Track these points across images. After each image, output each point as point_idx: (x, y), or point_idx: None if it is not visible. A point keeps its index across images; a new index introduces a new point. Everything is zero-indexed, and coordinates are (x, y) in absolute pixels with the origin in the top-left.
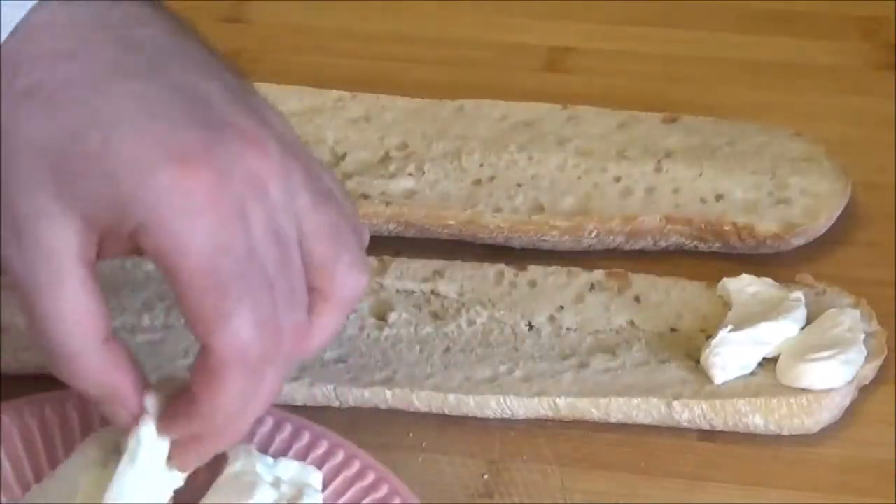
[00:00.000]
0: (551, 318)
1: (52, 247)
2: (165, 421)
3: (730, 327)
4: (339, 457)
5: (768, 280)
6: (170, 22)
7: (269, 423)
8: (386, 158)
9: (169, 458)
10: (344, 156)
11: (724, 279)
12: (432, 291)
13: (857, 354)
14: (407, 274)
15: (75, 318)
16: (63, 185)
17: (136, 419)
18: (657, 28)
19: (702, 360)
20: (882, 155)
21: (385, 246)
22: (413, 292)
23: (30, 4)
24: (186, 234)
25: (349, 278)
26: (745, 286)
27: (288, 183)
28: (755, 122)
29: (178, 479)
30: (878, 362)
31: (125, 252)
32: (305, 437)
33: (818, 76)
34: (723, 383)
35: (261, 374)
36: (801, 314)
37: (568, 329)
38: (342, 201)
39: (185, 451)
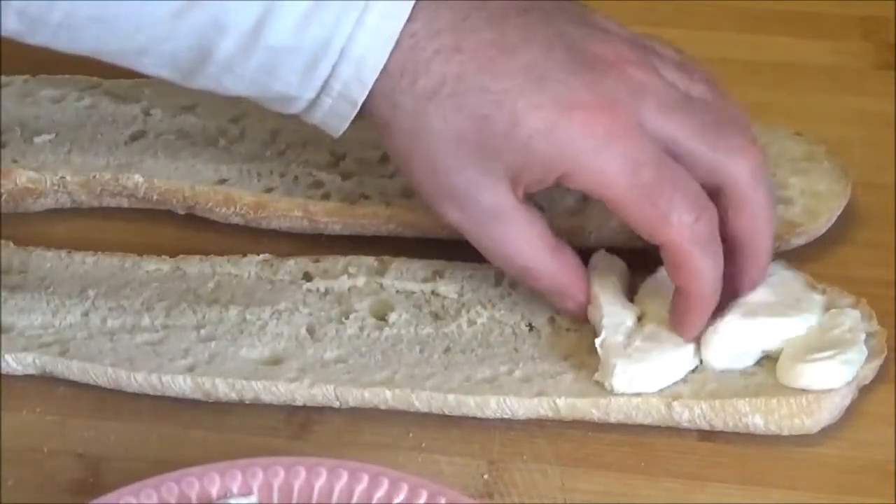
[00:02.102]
0: (551, 319)
1: (494, 206)
2: (675, 320)
3: (740, 312)
4: None
5: (802, 274)
6: None
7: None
8: (386, 158)
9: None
10: (344, 156)
11: None
12: (432, 291)
13: (857, 354)
14: (407, 274)
15: (529, 244)
16: (487, 161)
17: (582, 307)
18: (657, 28)
19: (702, 338)
20: (882, 155)
21: (385, 246)
22: (413, 292)
23: (404, 15)
24: (605, 168)
25: (731, 164)
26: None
27: (661, 73)
28: (755, 122)
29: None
30: (878, 362)
31: (554, 185)
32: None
33: (818, 76)
34: (712, 375)
35: (715, 242)
36: (813, 318)
37: (568, 329)
38: (705, 80)
39: (689, 324)
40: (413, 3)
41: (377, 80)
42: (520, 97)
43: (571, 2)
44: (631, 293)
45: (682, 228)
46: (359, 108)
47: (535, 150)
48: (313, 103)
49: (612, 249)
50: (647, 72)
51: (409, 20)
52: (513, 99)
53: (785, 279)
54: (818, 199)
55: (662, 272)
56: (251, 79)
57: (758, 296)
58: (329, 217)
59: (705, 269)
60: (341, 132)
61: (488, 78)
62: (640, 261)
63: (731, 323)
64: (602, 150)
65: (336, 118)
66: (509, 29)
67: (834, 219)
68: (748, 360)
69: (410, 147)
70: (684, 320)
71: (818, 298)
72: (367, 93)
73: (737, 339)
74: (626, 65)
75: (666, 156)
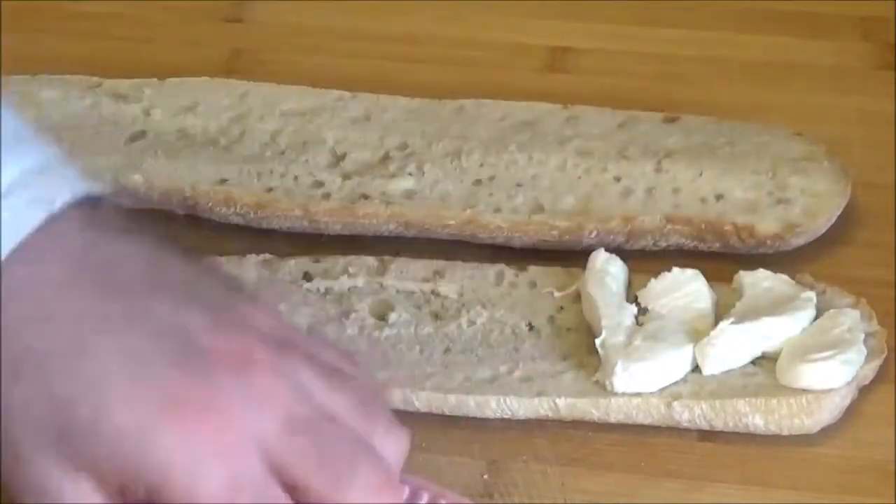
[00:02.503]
0: (551, 319)
1: None
2: None
3: (731, 319)
4: None
5: (784, 277)
6: (146, 248)
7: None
8: (386, 158)
9: None
10: (344, 156)
11: (741, 271)
12: (432, 291)
13: (857, 354)
14: (407, 274)
15: None
16: (70, 451)
17: None
18: (657, 28)
19: (696, 349)
20: (882, 155)
21: (385, 246)
22: (413, 292)
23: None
24: (197, 486)
25: (388, 446)
26: (759, 280)
27: (294, 379)
28: (755, 122)
29: None
30: (878, 362)
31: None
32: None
33: (818, 76)
34: (712, 375)
35: None
36: (807, 315)
37: (568, 329)
38: (350, 368)
39: None
40: None
41: None
42: (111, 386)
43: (222, 285)
44: (631, 293)
45: None
46: None
47: (120, 451)
48: None
49: (612, 249)
50: (277, 378)
51: (11, 265)
52: (103, 386)
53: (772, 283)
54: (818, 199)
55: (664, 273)
56: None
57: (747, 302)
58: (329, 217)
59: None
60: None
61: (81, 358)
62: (640, 261)
63: (724, 331)
64: (198, 465)
65: None
66: (121, 305)
67: (834, 219)
68: (744, 363)
69: None
70: None
71: (809, 295)
72: None
73: (731, 347)
74: (251, 366)
75: (273, 484)
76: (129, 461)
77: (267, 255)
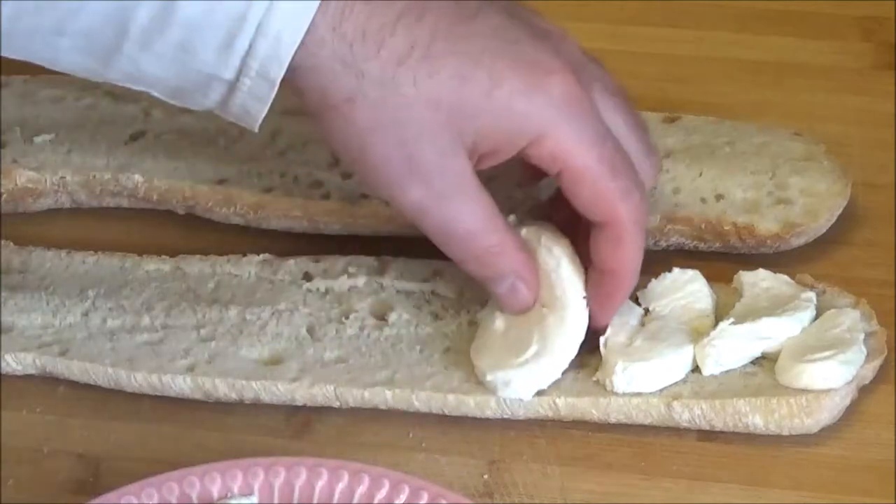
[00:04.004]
0: None
1: (460, 178)
2: (599, 302)
3: (731, 320)
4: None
5: (784, 277)
6: None
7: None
8: None
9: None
10: None
11: (741, 271)
12: (432, 291)
13: (857, 354)
14: (407, 274)
15: (491, 221)
16: (459, 127)
17: (535, 291)
18: (657, 28)
19: (696, 350)
20: (882, 155)
21: (385, 246)
22: (413, 292)
23: None
24: (579, 135)
25: (646, 170)
26: (759, 280)
27: (601, 71)
28: (755, 122)
29: None
30: (878, 362)
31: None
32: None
33: (818, 76)
34: (712, 375)
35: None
36: (807, 315)
37: None
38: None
39: (612, 307)
40: None
41: (331, 52)
42: (497, 58)
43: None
44: (631, 293)
45: (633, 207)
46: (276, 88)
47: (514, 110)
48: (233, 88)
49: None
50: (590, 59)
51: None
52: (490, 59)
53: (772, 283)
54: (818, 199)
55: (665, 275)
56: (171, 58)
57: (747, 302)
58: (329, 217)
59: (641, 249)
60: (259, 121)
61: (461, 40)
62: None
63: (724, 331)
64: (576, 117)
65: (255, 102)
66: (467, 4)
67: (834, 219)
68: (744, 363)
69: (376, 119)
70: (608, 303)
71: (809, 295)
72: (283, 71)
73: (731, 347)
74: (572, 44)
75: (620, 146)
76: (521, 120)
77: (267, 255)
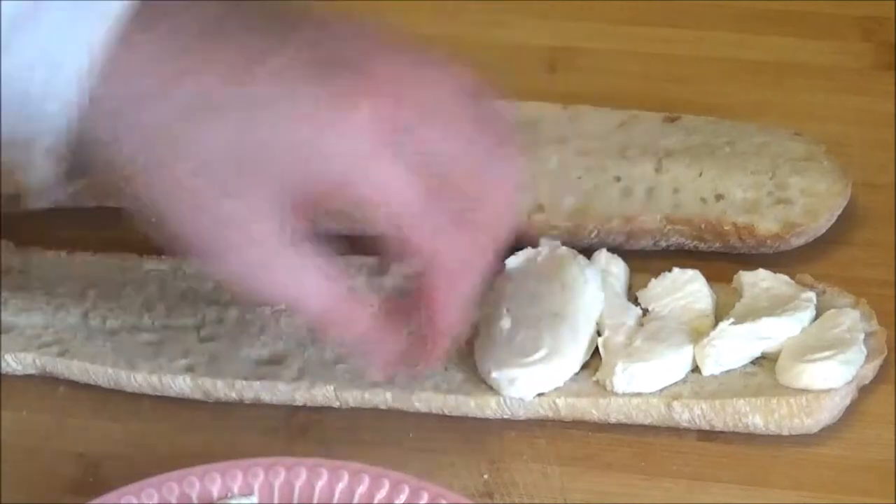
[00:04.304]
0: None
1: (272, 239)
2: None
3: (731, 320)
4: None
5: (784, 277)
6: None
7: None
8: None
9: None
10: None
11: (741, 271)
12: None
13: (857, 354)
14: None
15: (309, 276)
16: (258, 179)
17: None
18: (657, 28)
19: (696, 350)
20: (882, 155)
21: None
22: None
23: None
24: (387, 171)
25: (447, 241)
26: (759, 280)
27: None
28: (755, 122)
29: None
30: (878, 362)
31: (306, 218)
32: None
33: (818, 76)
34: (712, 376)
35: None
36: (807, 315)
37: None
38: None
39: (429, 355)
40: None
41: (113, 121)
42: (291, 97)
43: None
44: (631, 293)
45: (451, 246)
46: (70, 154)
47: (315, 150)
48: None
49: (612, 249)
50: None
51: (127, 51)
52: (286, 98)
53: (772, 283)
54: (818, 199)
55: (664, 273)
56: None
57: (747, 302)
58: (329, 217)
59: (462, 294)
60: (47, 186)
61: (252, 83)
62: (640, 261)
63: (724, 332)
64: (385, 153)
65: (48, 165)
66: (257, 37)
67: (834, 219)
68: (744, 363)
69: (170, 186)
70: (430, 350)
71: (808, 295)
72: (75, 137)
73: (731, 347)
74: (402, 57)
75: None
76: (324, 162)
77: None
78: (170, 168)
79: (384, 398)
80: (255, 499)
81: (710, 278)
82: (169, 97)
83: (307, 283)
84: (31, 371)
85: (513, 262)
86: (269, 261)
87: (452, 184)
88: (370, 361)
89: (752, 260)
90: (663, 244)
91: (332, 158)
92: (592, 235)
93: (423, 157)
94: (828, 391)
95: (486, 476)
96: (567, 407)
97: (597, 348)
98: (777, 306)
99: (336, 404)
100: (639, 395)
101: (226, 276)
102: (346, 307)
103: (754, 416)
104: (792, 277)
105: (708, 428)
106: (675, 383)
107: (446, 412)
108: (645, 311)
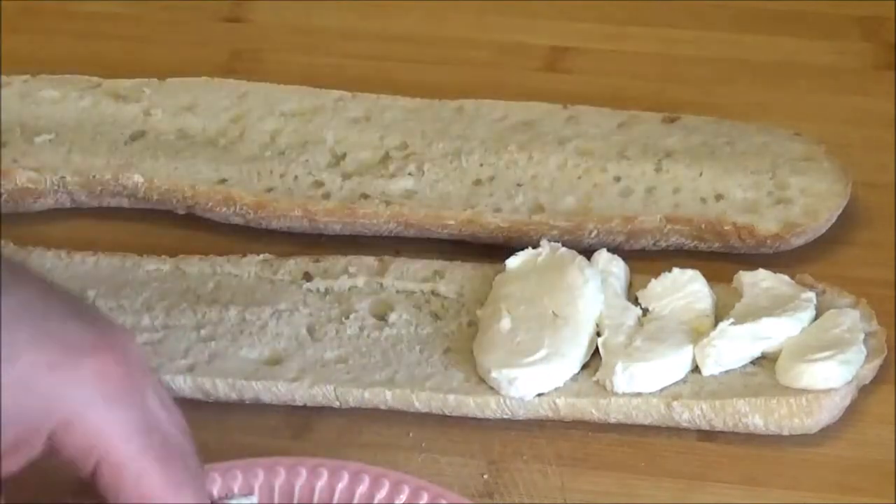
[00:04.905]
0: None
1: None
2: None
3: (731, 320)
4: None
5: (784, 277)
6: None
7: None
8: (386, 158)
9: None
10: (344, 156)
11: (741, 271)
12: (432, 291)
13: (857, 354)
14: (407, 274)
15: None
16: None
17: None
18: (657, 28)
19: (696, 350)
20: (882, 155)
21: (385, 246)
22: (413, 292)
23: None
24: (116, 418)
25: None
26: (759, 280)
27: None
28: (755, 122)
29: None
30: (878, 362)
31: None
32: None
33: (818, 76)
34: (712, 376)
35: None
36: (807, 315)
37: None
38: None
39: None
40: None
41: None
42: (15, 332)
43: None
44: (631, 293)
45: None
46: None
47: (33, 388)
48: None
49: (612, 249)
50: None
51: None
52: (6, 334)
53: (772, 283)
54: (818, 199)
55: (664, 274)
56: None
57: (747, 302)
58: (329, 217)
59: None
60: None
61: None
62: (640, 261)
63: (724, 332)
64: (115, 399)
65: None
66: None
67: (834, 219)
68: (744, 363)
69: None
70: None
71: (808, 296)
72: None
73: (731, 347)
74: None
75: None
76: (38, 402)
77: (267, 255)
78: None
79: (384, 398)
80: (255, 499)
81: (710, 278)
82: None
83: None
84: None
85: (513, 262)
86: None
87: (178, 445)
88: None
89: (752, 260)
90: (663, 244)
91: (53, 396)
92: (592, 235)
93: (151, 412)
94: (828, 391)
95: (486, 476)
96: (567, 407)
97: (597, 348)
98: (777, 306)
99: (336, 404)
100: (639, 395)
101: None
102: None
103: (754, 416)
104: (792, 277)
105: (708, 428)
106: (675, 383)
107: (446, 412)
108: (645, 311)
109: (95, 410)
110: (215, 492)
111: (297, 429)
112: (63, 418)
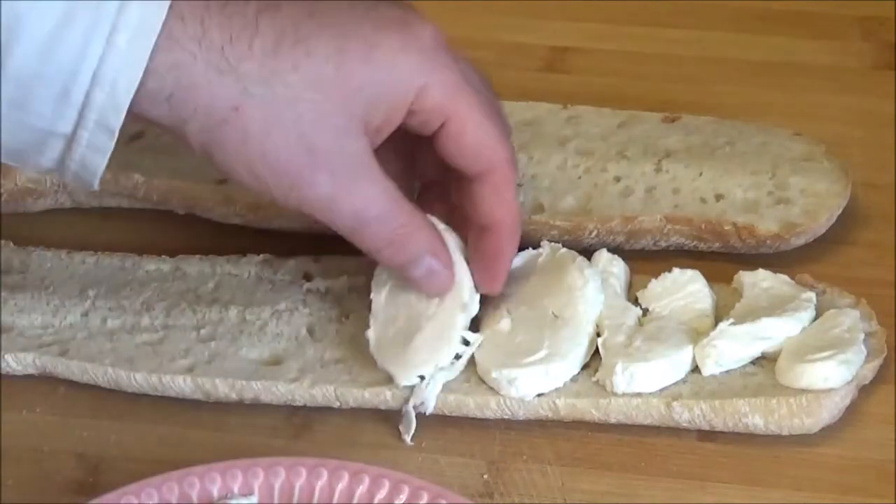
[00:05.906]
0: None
1: (360, 156)
2: (487, 266)
3: (731, 320)
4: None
5: (784, 277)
6: None
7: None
8: None
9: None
10: None
11: (741, 272)
12: None
13: (857, 354)
14: None
15: (394, 201)
16: (348, 99)
17: (450, 267)
18: (657, 28)
19: (696, 350)
20: (882, 155)
21: None
22: None
23: (155, 30)
24: (461, 78)
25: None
26: (759, 280)
27: None
28: (755, 122)
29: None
30: (878, 362)
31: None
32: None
33: (818, 76)
34: (712, 376)
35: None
36: (807, 315)
37: None
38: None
39: (502, 269)
40: (165, 11)
41: (204, 64)
42: (365, 23)
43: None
44: (631, 294)
45: (510, 149)
46: (115, 138)
47: (395, 68)
48: (70, 142)
49: (612, 249)
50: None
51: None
52: (358, 26)
53: (772, 283)
54: (818, 199)
55: (664, 274)
56: (3, 116)
57: (747, 302)
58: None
59: (517, 199)
60: (98, 176)
61: (324, 18)
62: (640, 261)
63: (724, 332)
64: (451, 64)
65: (95, 155)
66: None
67: (834, 219)
68: (744, 363)
69: (269, 118)
70: (499, 262)
71: (808, 296)
72: (121, 119)
73: (731, 347)
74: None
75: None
76: (405, 75)
77: (267, 255)
78: (271, 107)
79: (384, 398)
80: (255, 499)
81: (710, 278)
82: (254, 41)
83: (386, 197)
84: (31, 371)
85: (513, 262)
86: (357, 178)
87: (494, 100)
88: (434, 277)
89: (752, 260)
90: (663, 244)
91: (410, 70)
92: (592, 235)
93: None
94: (828, 391)
95: (486, 476)
96: (567, 407)
97: (597, 349)
98: (777, 306)
99: (336, 404)
100: (639, 395)
101: (309, 204)
102: (418, 221)
103: (754, 416)
104: (792, 277)
105: (708, 428)
106: (675, 383)
107: (446, 412)
108: (645, 312)
109: (442, 74)
110: (215, 492)
111: (297, 429)
112: (419, 87)
